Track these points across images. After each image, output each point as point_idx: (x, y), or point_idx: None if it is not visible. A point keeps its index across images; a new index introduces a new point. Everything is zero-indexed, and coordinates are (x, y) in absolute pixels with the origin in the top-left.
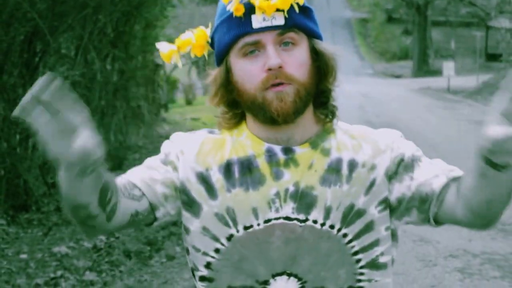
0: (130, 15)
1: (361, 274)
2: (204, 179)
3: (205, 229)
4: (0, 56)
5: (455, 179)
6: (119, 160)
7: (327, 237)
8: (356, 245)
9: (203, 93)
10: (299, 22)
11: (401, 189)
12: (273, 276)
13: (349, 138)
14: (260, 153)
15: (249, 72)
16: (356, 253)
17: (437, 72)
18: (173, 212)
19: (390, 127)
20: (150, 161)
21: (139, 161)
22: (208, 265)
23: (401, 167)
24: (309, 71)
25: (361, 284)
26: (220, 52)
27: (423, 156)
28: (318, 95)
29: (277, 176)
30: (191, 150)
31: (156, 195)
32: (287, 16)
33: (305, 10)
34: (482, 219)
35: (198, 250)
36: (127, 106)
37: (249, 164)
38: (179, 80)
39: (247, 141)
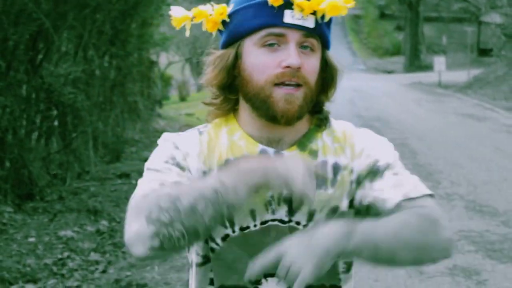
0: (127, 14)
1: (343, 272)
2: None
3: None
4: (8, 54)
5: (411, 200)
6: (117, 153)
7: None
8: None
9: (196, 90)
10: (324, 30)
11: (362, 194)
12: (265, 276)
13: (332, 141)
14: (254, 154)
15: (263, 63)
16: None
17: (429, 67)
18: None
19: (380, 121)
20: (160, 168)
21: (136, 154)
22: (201, 264)
23: (369, 175)
24: (317, 79)
25: (341, 283)
26: (236, 35)
27: (397, 167)
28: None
29: None
30: (193, 151)
31: None
32: (319, 21)
33: (330, 20)
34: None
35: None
36: (124, 101)
37: None
38: (173, 77)
39: (241, 141)
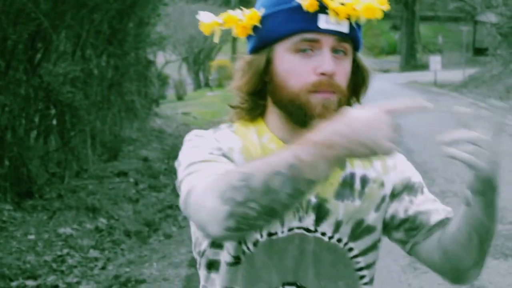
0: (125, 14)
1: (366, 284)
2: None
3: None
4: (7, 53)
5: (450, 219)
6: (115, 151)
7: (333, 250)
8: (362, 261)
9: (193, 89)
10: (356, 34)
11: (397, 207)
12: (283, 285)
13: None
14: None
15: (298, 69)
16: (361, 269)
17: (425, 67)
18: None
19: None
20: (208, 158)
21: (134, 153)
22: (232, 264)
23: (406, 189)
24: (348, 83)
25: None
26: (268, 40)
27: (426, 188)
28: None
29: None
30: (235, 145)
31: None
32: (354, 25)
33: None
34: (453, 266)
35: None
36: (122, 100)
37: None
38: (170, 76)
39: (271, 144)
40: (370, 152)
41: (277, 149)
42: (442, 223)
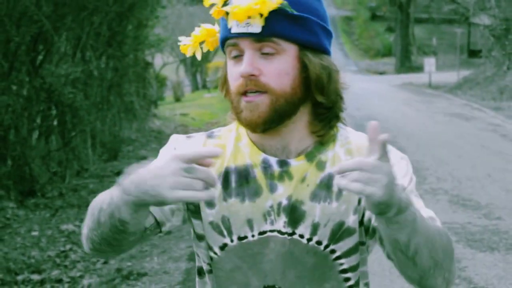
0: (124, 16)
1: None
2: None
3: (202, 237)
4: (10, 55)
5: None
6: (115, 152)
7: (313, 252)
8: (345, 263)
9: (191, 91)
10: (281, 31)
11: None
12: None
13: (345, 153)
14: (257, 163)
15: (231, 74)
16: (345, 271)
17: (420, 69)
18: (179, 223)
19: (370, 119)
20: None
21: (133, 153)
22: (209, 271)
23: None
24: (293, 81)
25: None
26: (222, 48)
27: (413, 191)
28: (315, 106)
29: (272, 189)
30: None
31: (163, 212)
32: (264, 24)
33: (296, 19)
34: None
35: (198, 256)
36: (121, 101)
37: (246, 174)
38: (168, 78)
39: (245, 148)
40: (154, 200)
41: (250, 153)
42: None
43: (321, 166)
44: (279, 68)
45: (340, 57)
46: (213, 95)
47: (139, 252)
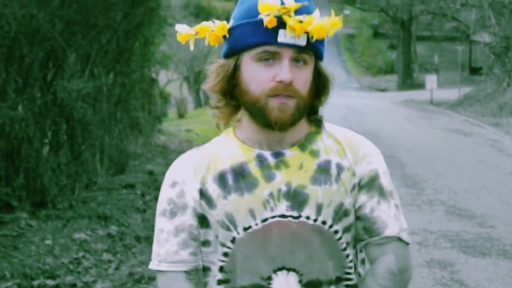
0: (131, 34)
1: (350, 267)
2: (203, 194)
3: (216, 237)
4: (24, 72)
5: (399, 240)
6: (122, 166)
7: (319, 232)
8: (344, 240)
9: (194, 107)
10: (315, 46)
11: (365, 202)
12: (274, 271)
13: (334, 143)
14: (250, 159)
15: (259, 77)
16: (345, 248)
17: (422, 86)
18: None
19: (371, 135)
20: (163, 227)
21: (139, 167)
22: (221, 269)
23: (375, 185)
24: (310, 88)
25: (349, 276)
26: (236, 49)
27: (394, 193)
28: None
29: (269, 178)
30: (188, 175)
31: (198, 256)
32: (311, 40)
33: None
34: None
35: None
36: (128, 117)
37: (241, 170)
38: (172, 94)
39: (237, 149)
40: None
41: (243, 152)
42: (390, 239)
43: (314, 154)
44: (306, 77)
45: (342, 74)
46: None
47: (149, 259)
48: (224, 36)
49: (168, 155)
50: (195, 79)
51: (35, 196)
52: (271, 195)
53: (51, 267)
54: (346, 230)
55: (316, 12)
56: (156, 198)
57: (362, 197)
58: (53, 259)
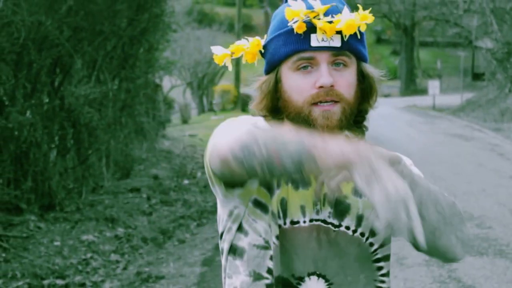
0: (136, 40)
1: (382, 282)
2: None
3: (273, 214)
4: (33, 77)
5: None
6: (127, 170)
7: (357, 243)
8: (380, 253)
9: (197, 113)
10: (353, 46)
11: None
12: (309, 274)
13: None
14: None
15: (300, 85)
16: (378, 260)
17: (424, 91)
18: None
19: (372, 138)
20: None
21: (144, 172)
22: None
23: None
24: (355, 91)
25: None
26: (274, 62)
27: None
28: (356, 114)
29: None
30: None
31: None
32: (344, 39)
33: (360, 35)
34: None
35: (266, 241)
36: (133, 122)
37: None
38: (175, 100)
39: None
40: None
41: None
42: None
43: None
44: (349, 80)
45: None
46: (220, 117)
47: (156, 259)
48: (261, 52)
49: (172, 160)
50: (198, 85)
51: (43, 199)
52: (319, 197)
53: (60, 267)
54: (384, 242)
55: (345, 10)
56: (162, 202)
57: None
58: (62, 260)
